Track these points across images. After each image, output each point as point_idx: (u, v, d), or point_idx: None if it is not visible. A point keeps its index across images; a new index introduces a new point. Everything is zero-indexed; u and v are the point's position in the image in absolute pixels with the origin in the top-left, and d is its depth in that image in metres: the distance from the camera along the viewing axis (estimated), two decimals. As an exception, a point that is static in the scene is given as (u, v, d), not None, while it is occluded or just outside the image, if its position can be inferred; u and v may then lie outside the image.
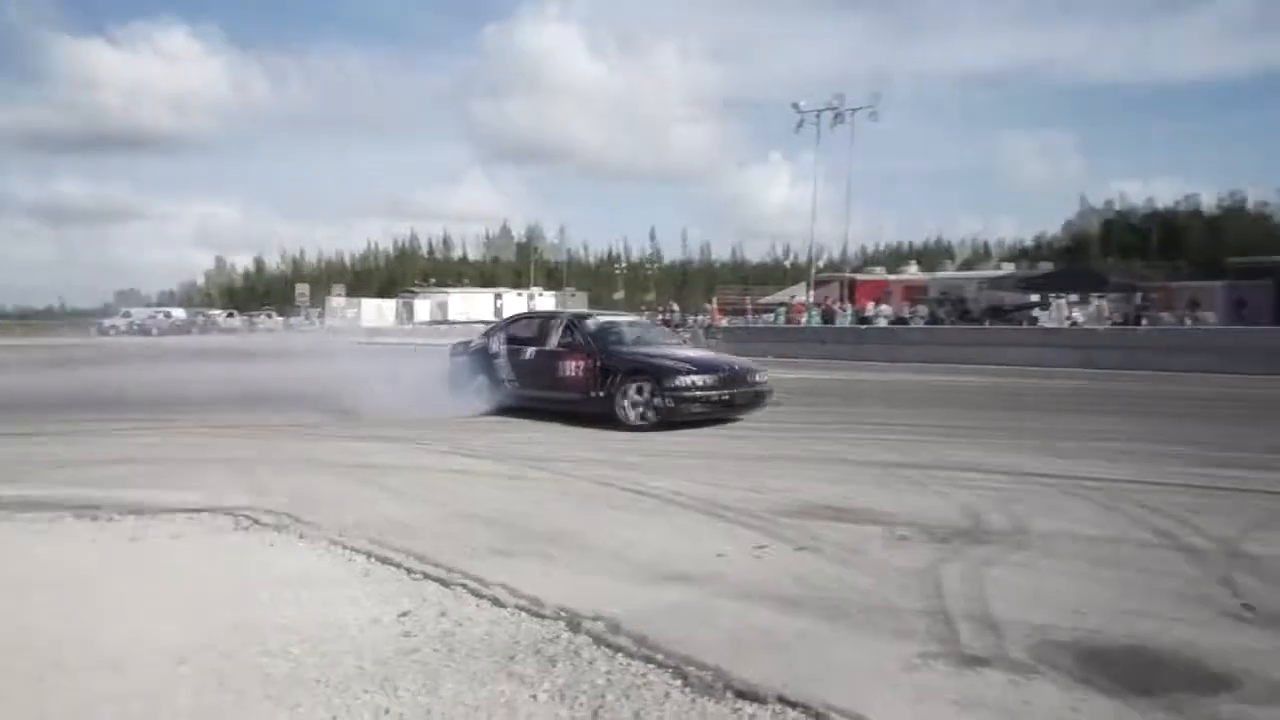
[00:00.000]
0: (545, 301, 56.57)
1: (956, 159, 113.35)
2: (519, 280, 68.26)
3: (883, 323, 22.94)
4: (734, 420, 8.95)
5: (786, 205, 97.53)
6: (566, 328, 10.06)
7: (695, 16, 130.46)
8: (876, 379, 15.49)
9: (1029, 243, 66.35)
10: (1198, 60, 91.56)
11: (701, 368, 9.15)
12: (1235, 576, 3.53)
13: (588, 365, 9.49)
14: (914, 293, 28.14)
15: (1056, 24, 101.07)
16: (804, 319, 25.65)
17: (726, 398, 9.06)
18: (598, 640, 2.83)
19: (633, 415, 8.80)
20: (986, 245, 72.51)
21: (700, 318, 28.74)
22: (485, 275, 77.47)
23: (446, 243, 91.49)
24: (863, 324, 23.39)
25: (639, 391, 8.89)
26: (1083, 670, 2.59)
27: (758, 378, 9.47)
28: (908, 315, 23.87)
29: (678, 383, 8.81)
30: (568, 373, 9.64)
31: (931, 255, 70.96)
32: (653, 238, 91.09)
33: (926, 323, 22.60)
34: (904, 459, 6.55)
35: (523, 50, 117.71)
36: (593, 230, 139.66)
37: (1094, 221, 62.78)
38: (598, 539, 4.19)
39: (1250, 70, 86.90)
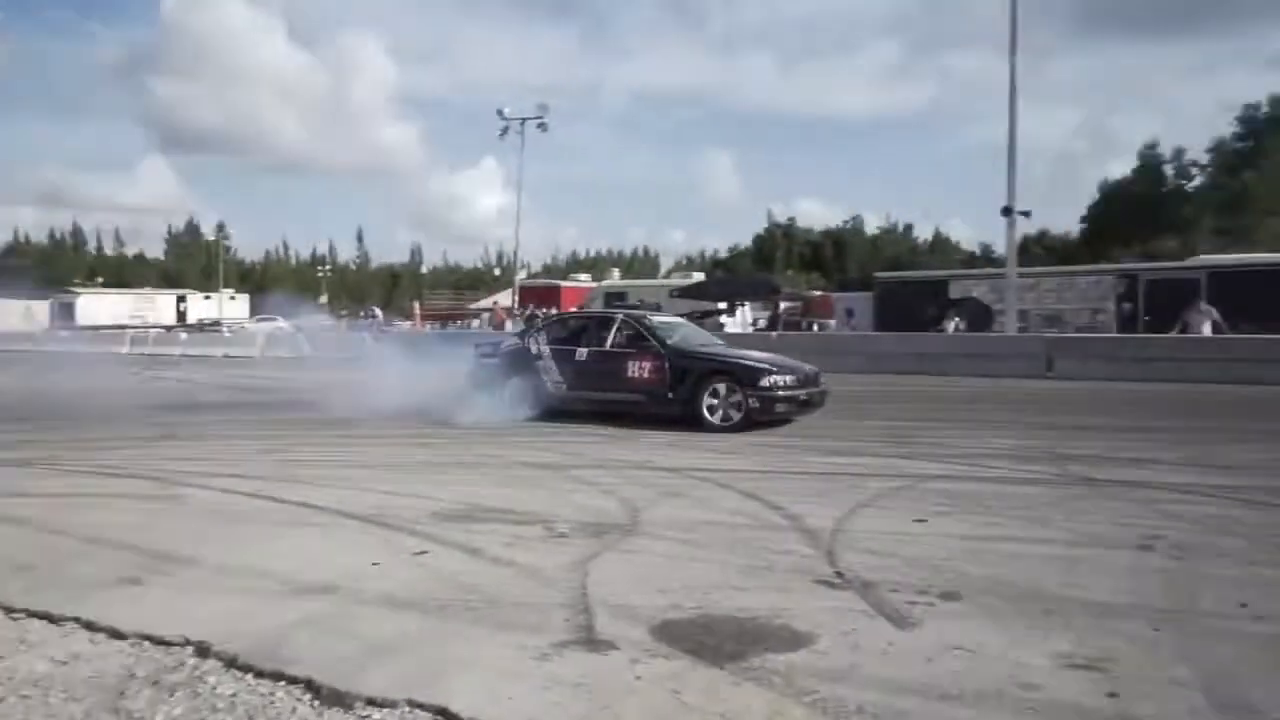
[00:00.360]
0: (238, 305, 52.41)
1: (665, 172, 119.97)
2: (207, 282, 62.59)
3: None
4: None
5: (500, 210, 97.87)
6: (627, 328, 9.88)
7: (403, 13, 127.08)
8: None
9: (724, 254, 71.78)
10: (864, 97, 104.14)
11: (781, 369, 9.18)
12: (837, 550, 4.10)
13: (657, 366, 9.36)
14: (611, 298, 29.54)
15: (750, 53, 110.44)
16: (509, 325, 26.09)
17: (805, 397, 9.21)
18: (227, 663, 2.72)
19: (717, 416, 8.87)
20: (688, 256, 77.60)
21: (371, 319, 28.33)
22: (169, 275, 70.25)
23: (119, 237, 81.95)
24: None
25: (726, 392, 8.93)
26: (693, 643, 2.90)
27: (822, 379, 9.60)
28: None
29: (765, 383, 8.88)
30: (634, 373, 9.47)
31: (640, 263, 74.74)
32: (360, 239, 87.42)
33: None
34: (573, 460, 6.90)
35: (210, 29, 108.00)
36: (296, 230, 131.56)
37: (778, 235, 69.29)
38: (240, 557, 4.01)
39: (895, 110, 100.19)
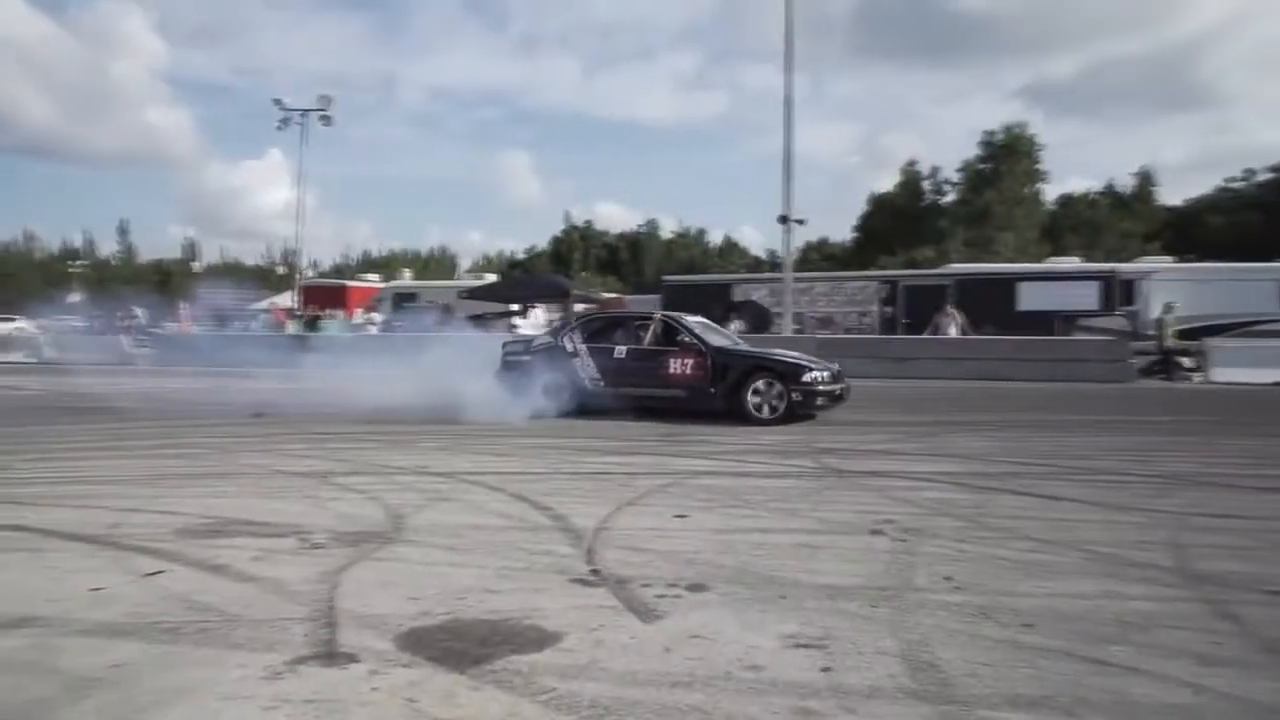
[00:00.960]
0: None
1: (464, 172, 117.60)
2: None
3: (373, 331, 23.08)
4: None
5: (287, 205, 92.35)
6: (667, 327, 10.56)
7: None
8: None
9: (522, 255, 71.54)
10: (662, 104, 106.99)
11: (817, 365, 10.05)
12: (597, 549, 4.19)
13: (700, 363, 10.02)
14: (400, 299, 28.73)
15: (551, 56, 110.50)
16: (290, 326, 24.73)
17: (838, 392, 9.98)
18: (-109, 713, 2.40)
19: (762, 411, 9.66)
20: (487, 256, 76.56)
21: (129, 320, 26.07)
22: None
23: None
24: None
25: (767, 387, 9.70)
26: (438, 649, 2.87)
27: (845, 376, 10.41)
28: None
29: (807, 379, 9.71)
30: (676, 370, 10.10)
31: (437, 263, 72.88)
32: (123, 232, 79.56)
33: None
34: (342, 467, 6.64)
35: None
36: (45, 220, 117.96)
37: (576, 238, 69.98)
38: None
39: (692, 118, 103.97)
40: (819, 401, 9.82)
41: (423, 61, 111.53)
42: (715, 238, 68.64)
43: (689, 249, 65.31)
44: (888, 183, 48.00)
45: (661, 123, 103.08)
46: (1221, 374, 18.24)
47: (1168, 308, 19.26)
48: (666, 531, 4.54)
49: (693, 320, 11.01)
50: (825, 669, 2.75)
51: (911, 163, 46.55)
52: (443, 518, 4.85)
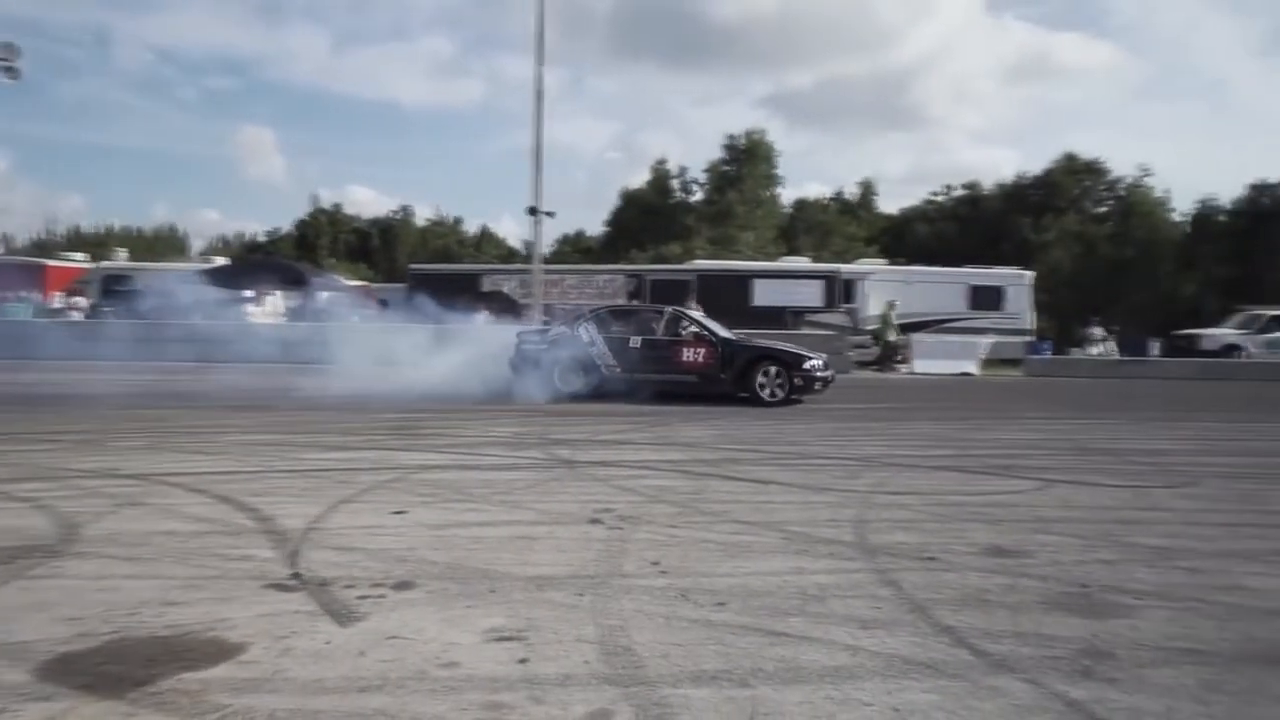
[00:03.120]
0: None
1: (197, 145, 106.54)
2: None
3: (76, 316, 20.50)
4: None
5: (-27, 172, 79.65)
6: (680, 320, 12.04)
7: None
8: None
9: (263, 237, 66.56)
10: (419, 87, 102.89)
11: (812, 355, 11.79)
12: (302, 551, 3.96)
13: (711, 352, 11.44)
14: (110, 282, 25.75)
15: (297, 26, 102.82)
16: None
17: (830, 377, 11.76)
18: None
19: (766, 392, 11.24)
20: (224, 238, 70.41)
21: None
22: None
23: None
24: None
25: (770, 374, 11.29)
26: (92, 675, 2.57)
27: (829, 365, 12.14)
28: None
29: (807, 366, 11.36)
30: (689, 358, 11.47)
31: (165, 243, 65.96)
32: None
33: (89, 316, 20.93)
34: (10, 472, 5.85)
35: None
36: None
37: (323, 221, 66.13)
38: None
39: (450, 104, 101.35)
40: (816, 386, 11.48)
41: (144, 17, 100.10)
42: (472, 227, 67.55)
43: (444, 238, 63.78)
44: (642, 180, 49.66)
45: (418, 106, 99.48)
46: (921, 365, 20.59)
47: (890, 305, 21.42)
48: (381, 529, 4.38)
49: (701, 314, 12.72)
50: (522, 660, 2.77)
51: (661, 161, 48.41)
52: (127, 525, 4.38)
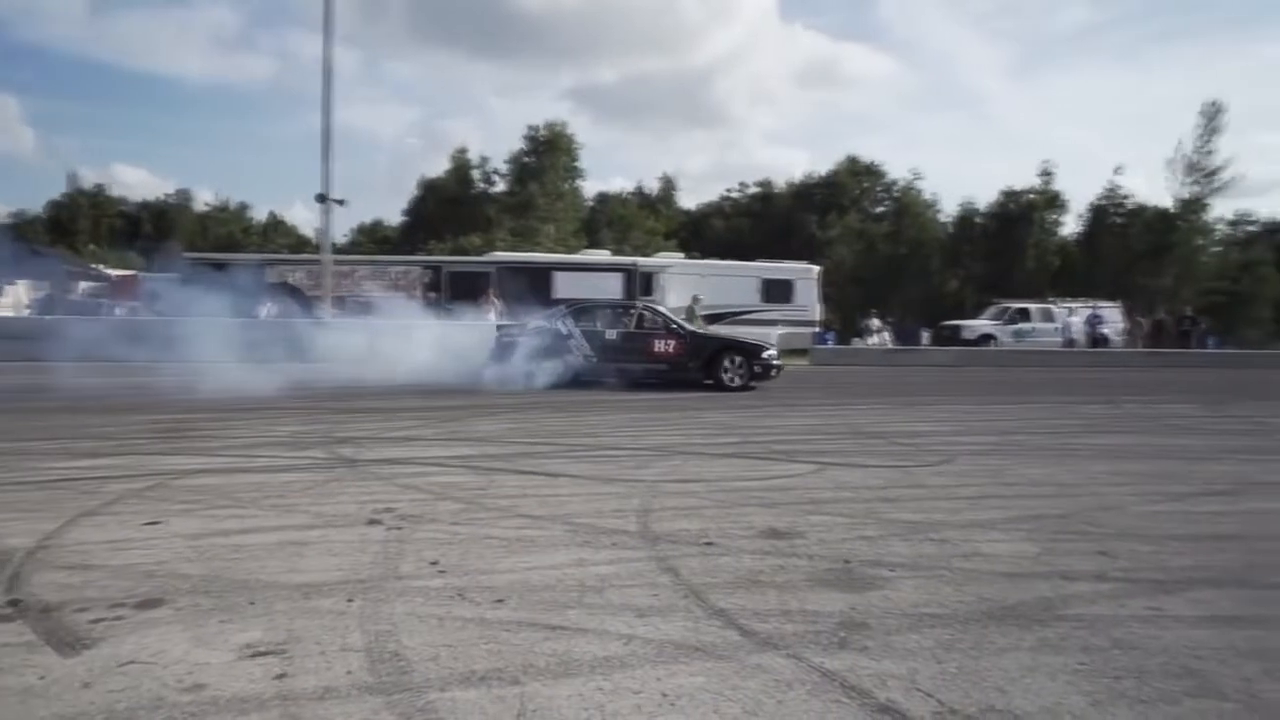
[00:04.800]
0: None
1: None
2: None
3: None
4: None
5: None
6: (650, 315, 13.57)
7: None
8: None
9: (7, 219, 59.23)
10: (198, 62, 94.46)
11: (769, 346, 13.57)
12: (26, 573, 3.52)
13: (680, 344, 13.00)
14: None
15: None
16: None
17: (781, 365, 13.47)
18: None
19: (728, 378, 12.81)
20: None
21: None
22: None
23: None
24: None
25: (734, 362, 12.88)
26: None
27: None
28: None
29: (765, 355, 13.08)
30: (660, 349, 12.97)
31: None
32: None
33: None
34: None
35: None
36: None
37: (83, 204, 59.77)
38: None
39: (234, 81, 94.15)
40: (772, 373, 13.19)
41: None
42: (261, 214, 63.30)
43: (228, 224, 59.45)
44: (443, 169, 48.25)
45: (198, 81, 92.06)
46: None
47: (695, 299, 22.03)
48: (129, 543, 3.97)
49: (668, 310, 14.43)
50: (280, 676, 2.59)
51: (462, 150, 47.22)
52: None
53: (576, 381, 12.81)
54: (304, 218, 74.10)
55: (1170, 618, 3.28)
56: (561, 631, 3.00)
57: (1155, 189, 59.03)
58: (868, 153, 57.93)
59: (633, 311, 13.79)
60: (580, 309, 13.79)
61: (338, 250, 25.23)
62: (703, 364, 13.04)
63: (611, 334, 13.22)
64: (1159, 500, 5.47)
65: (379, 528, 4.34)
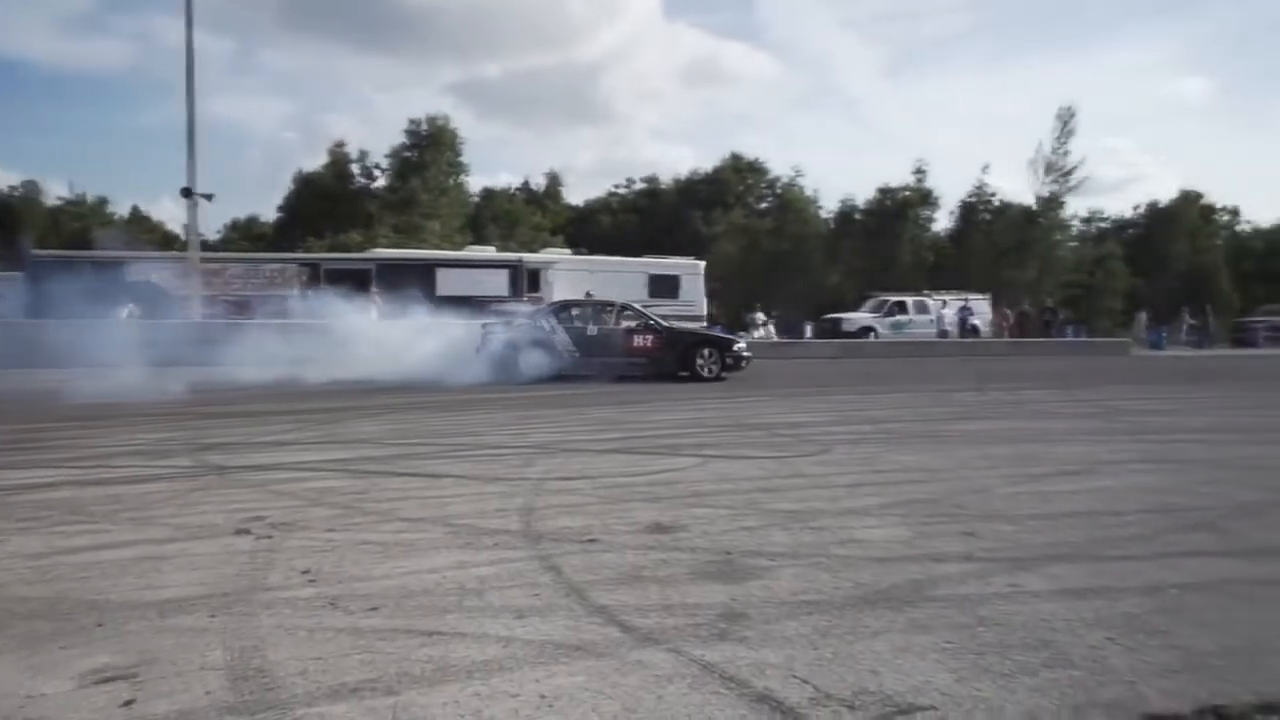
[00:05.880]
0: None
1: None
2: None
3: None
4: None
5: None
6: (629, 312, 14.73)
7: None
8: None
9: None
10: (46, 43, 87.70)
11: (739, 339, 15.53)
12: None
13: (658, 339, 14.23)
14: None
15: None
16: None
17: (750, 356, 14.79)
18: None
19: (704, 371, 13.99)
20: None
21: None
22: None
23: None
24: None
25: (708, 355, 14.18)
26: None
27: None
28: None
29: (736, 349, 14.64)
30: (639, 344, 14.16)
31: None
32: None
33: None
34: None
35: None
36: None
37: None
38: None
39: (90, 66, 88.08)
40: (742, 364, 14.40)
41: None
42: (122, 209, 59.60)
43: (84, 219, 55.72)
44: (320, 163, 46.45)
45: (46, 64, 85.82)
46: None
47: (589, 295, 21.99)
48: (-40, 566, 3.66)
49: (640, 307, 15.42)
50: (128, 702, 2.41)
51: (339, 144, 45.70)
52: None
53: (556, 377, 13.47)
54: (170, 213, 70.27)
55: (1028, 593, 3.45)
56: (438, 637, 2.92)
57: (1018, 188, 62.28)
58: (751, 150, 59.21)
59: (612, 309, 14.65)
60: (563, 306, 14.91)
61: (208, 247, 24.04)
62: (678, 357, 14.11)
63: (593, 330, 14.13)
64: (1020, 481, 5.76)
65: (247, 538, 4.13)
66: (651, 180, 55.93)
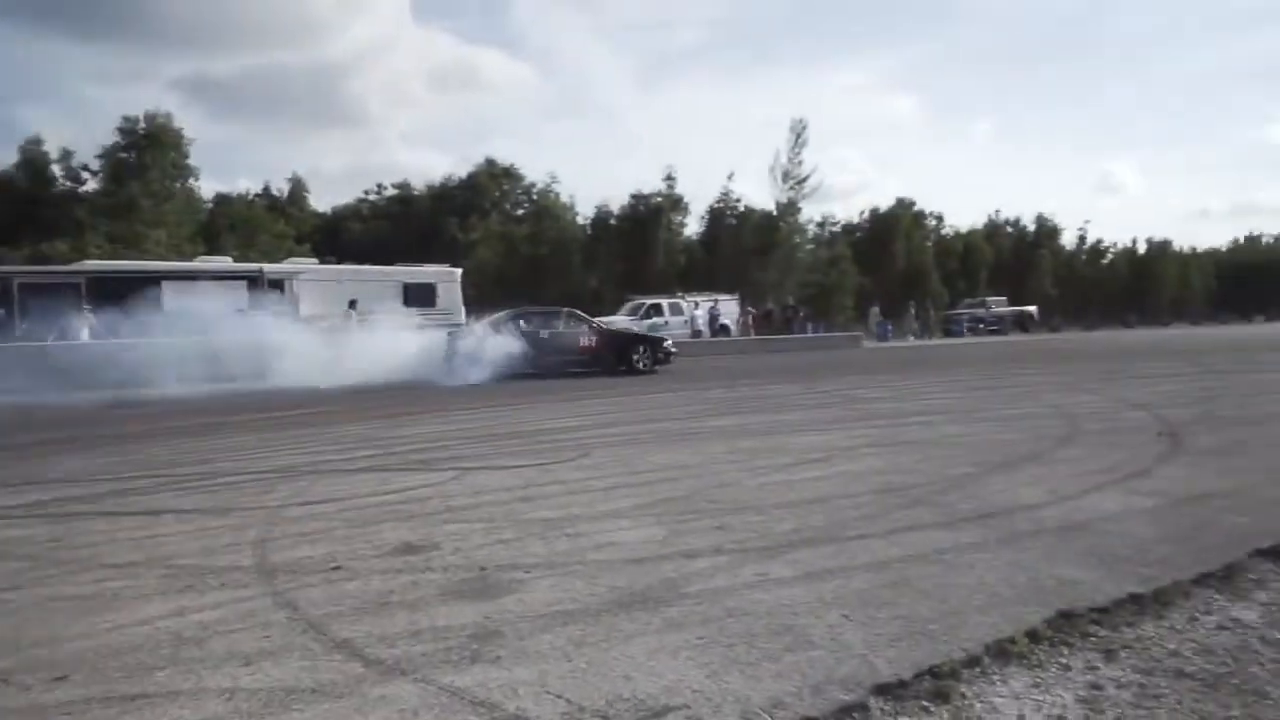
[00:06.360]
0: None
1: None
2: None
3: None
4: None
5: None
6: (574, 318, 17.63)
7: None
8: None
9: None
10: None
11: (668, 338, 18.74)
12: None
13: (601, 340, 17.16)
14: None
15: None
16: None
17: (675, 351, 18.18)
18: None
19: (639, 365, 16.80)
20: None
21: None
22: None
23: None
24: None
25: (642, 351, 17.09)
26: None
27: None
28: None
29: (666, 345, 17.79)
30: (585, 344, 16.95)
31: None
32: None
33: None
34: None
35: None
36: None
37: None
38: None
39: None
40: (670, 359, 17.26)
41: None
42: None
43: None
44: (9, 161, 40.34)
45: None
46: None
47: (353, 303, 20.79)
48: None
49: (580, 313, 17.89)
50: None
51: (34, 141, 39.87)
52: None
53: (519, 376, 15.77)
54: None
55: (774, 580, 3.58)
56: (144, 701, 2.55)
57: (762, 194, 66.74)
58: (506, 156, 58.55)
59: (561, 315, 17.58)
60: (520, 314, 17.35)
61: None
62: (617, 354, 16.93)
63: (545, 334, 16.64)
64: (767, 472, 6.05)
65: (-104, 608, 3.44)
66: (404, 186, 54.18)
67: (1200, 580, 3.57)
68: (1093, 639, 2.99)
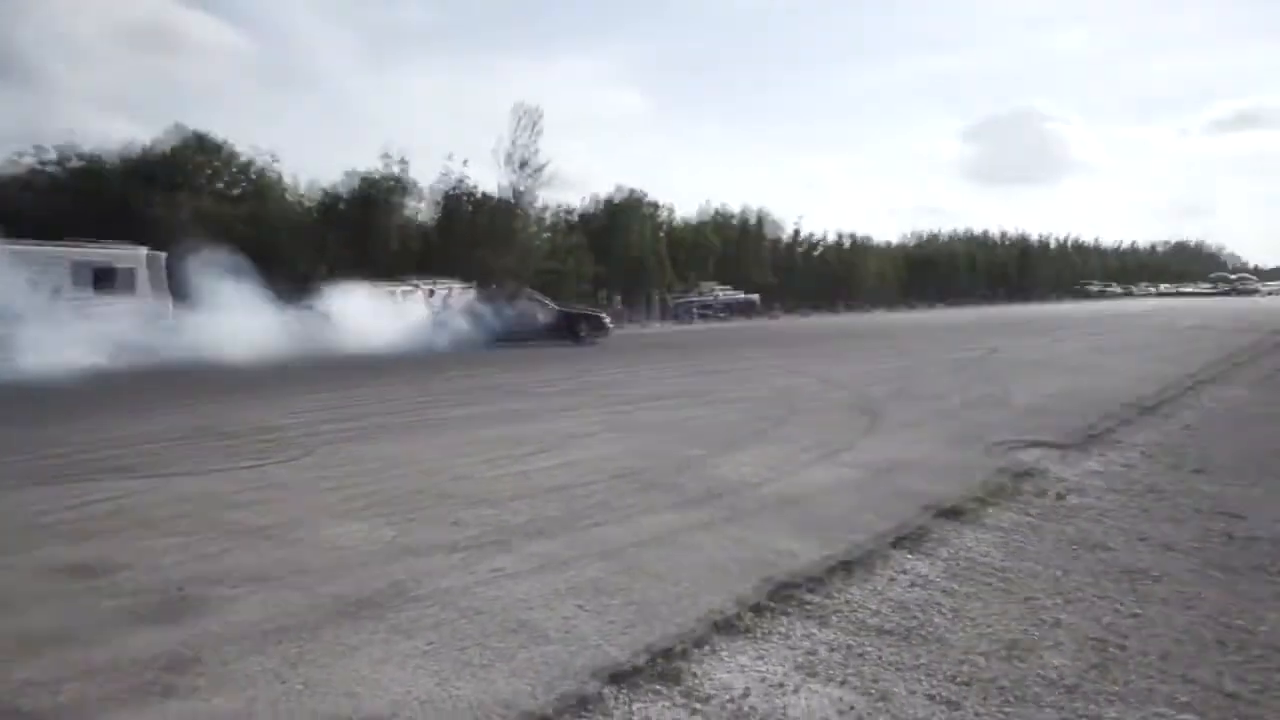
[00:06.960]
0: None
1: None
2: None
3: None
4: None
5: None
6: (533, 298, 21.19)
7: None
8: None
9: None
10: None
11: (607, 315, 22.71)
12: None
13: (558, 318, 20.50)
14: None
15: None
16: None
17: (612, 327, 21.50)
18: None
19: (584, 338, 20.05)
20: None
21: None
22: None
23: None
24: None
25: (587, 327, 20.47)
26: None
27: None
28: None
29: (606, 321, 21.29)
30: (544, 321, 20.31)
31: None
32: None
33: None
34: None
35: None
36: None
37: None
38: None
39: None
40: (608, 335, 20.72)
41: None
42: None
43: None
44: None
45: None
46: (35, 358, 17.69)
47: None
48: None
49: (539, 294, 22.15)
50: None
51: None
52: None
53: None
54: None
55: (508, 576, 3.49)
56: None
57: (497, 180, 66.08)
58: (217, 130, 53.23)
59: (522, 295, 21.50)
60: (487, 295, 21.87)
61: None
62: (566, 328, 20.22)
63: (510, 312, 20.20)
64: (503, 463, 5.93)
65: None
66: (93, 158, 47.86)
67: (897, 543, 3.93)
68: (809, 606, 3.18)
